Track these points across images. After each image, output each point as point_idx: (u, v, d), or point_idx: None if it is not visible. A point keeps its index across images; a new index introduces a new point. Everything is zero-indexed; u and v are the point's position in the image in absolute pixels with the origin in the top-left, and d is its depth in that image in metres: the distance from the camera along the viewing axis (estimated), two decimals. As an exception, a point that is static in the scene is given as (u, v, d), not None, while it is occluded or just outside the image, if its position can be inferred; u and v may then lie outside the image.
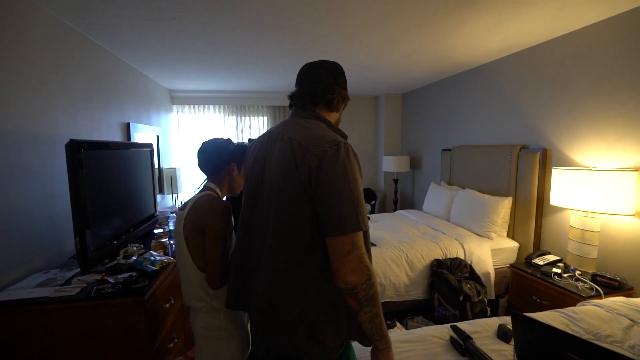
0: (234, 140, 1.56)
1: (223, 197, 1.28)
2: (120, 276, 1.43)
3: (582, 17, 1.94)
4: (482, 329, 1.33)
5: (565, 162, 2.22)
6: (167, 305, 1.59)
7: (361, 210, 0.80)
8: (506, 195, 2.66)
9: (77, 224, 1.36)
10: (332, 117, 0.99)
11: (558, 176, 2.03)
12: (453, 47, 2.53)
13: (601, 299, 1.69)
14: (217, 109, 4.48)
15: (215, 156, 1.26)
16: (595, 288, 1.79)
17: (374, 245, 2.52)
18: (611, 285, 1.80)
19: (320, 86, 0.95)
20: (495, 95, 2.92)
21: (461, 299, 2.12)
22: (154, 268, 1.53)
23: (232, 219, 1.19)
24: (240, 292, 0.97)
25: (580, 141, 2.13)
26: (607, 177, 1.78)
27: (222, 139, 1.31)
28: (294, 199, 0.82)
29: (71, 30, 1.97)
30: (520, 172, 2.55)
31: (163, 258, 1.64)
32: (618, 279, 1.81)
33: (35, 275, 1.49)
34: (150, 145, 2.19)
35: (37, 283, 1.40)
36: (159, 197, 3.52)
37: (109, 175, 1.65)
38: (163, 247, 1.81)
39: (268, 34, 2.20)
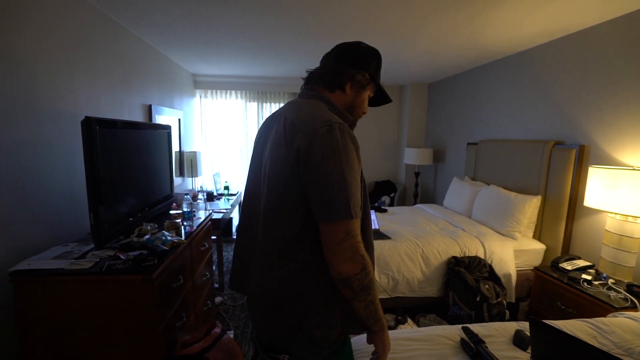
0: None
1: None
2: (131, 253, 1.46)
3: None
4: (497, 333, 1.24)
5: (605, 161, 2.03)
6: (177, 284, 1.61)
7: (352, 197, 0.74)
8: (535, 193, 2.48)
9: (91, 200, 1.39)
10: (340, 98, 0.92)
11: (595, 175, 1.85)
12: (484, 33, 2.35)
13: (637, 311, 1.54)
14: (239, 95, 4.49)
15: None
16: (631, 299, 1.64)
17: (388, 238, 2.44)
18: (649, 297, 1.64)
19: (325, 65, 0.93)
20: (530, 86, 2.70)
21: (478, 299, 2.02)
22: (165, 248, 1.54)
23: None
24: (241, 275, 0.95)
25: (624, 138, 1.93)
26: (653, 178, 1.60)
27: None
28: (283, 182, 0.78)
29: (94, 10, 1.99)
30: (552, 169, 2.37)
31: (174, 238, 1.65)
32: (657, 290, 1.64)
33: (55, 248, 1.54)
34: (168, 127, 2.21)
35: (55, 255, 1.45)
36: (179, 179, 3.60)
37: (125, 154, 1.68)
38: (176, 228, 1.83)
39: (288, 19, 2.13)
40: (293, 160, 0.76)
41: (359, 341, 1.17)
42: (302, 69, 3.76)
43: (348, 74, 0.90)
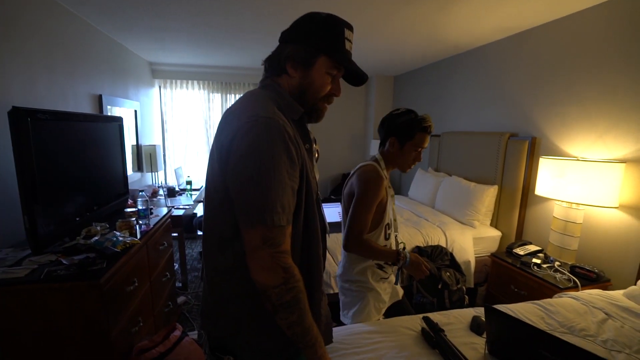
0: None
1: (390, 170, 1.35)
2: (76, 257, 1.34)
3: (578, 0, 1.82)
4: (456, 321, 1.29)
5: (554, 152, 2.17)
6: (131, 288, 1.51)
7: (272, 201, 0.66)
8: (492, 183, 2.61)
9: (24, 200, 1.25)
10: (287, 82, 0.80)
11: (545, 166, 1.97)
12: (445, 27, 2.40)
13: (578, 290, 1.67)
14: (201, 85, 4.28)
15: (381, 127, 1.34)
16: (573, 279, 1.77)
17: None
18: (589, 277, 1.78)
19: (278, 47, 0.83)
20: (487, 80, 2.82)
21: (439, 287, 2.09)
22: (115, 250, 1.43)
23: (380, 192, 1.25)
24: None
25: (571, 131, 2.07)
26: (594, 168, 1.72)
27: (401, 110, 1.30)
28: (213, 182, 0.74)
29: (28, -13, 1.78)
30: (507, 160, 2.49)
31: (127, 239, 1.54)
32: (596, 270, 1.79)
33: (-15, 255, 1.38)
34: (119, 119, 2.05)
35: (-16, 263, 1.29)
36: (137, 175, 3.39)
37: (67, 149, 1.53)
38: (129, 227, 1.71)
39: (248, 5, 2.03)
40: (217, 158, 0.71)
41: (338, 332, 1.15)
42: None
43: (284, 51, 0.79)
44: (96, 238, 1.51)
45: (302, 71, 0.78)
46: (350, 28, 0.80)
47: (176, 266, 2.94)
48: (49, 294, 1.20)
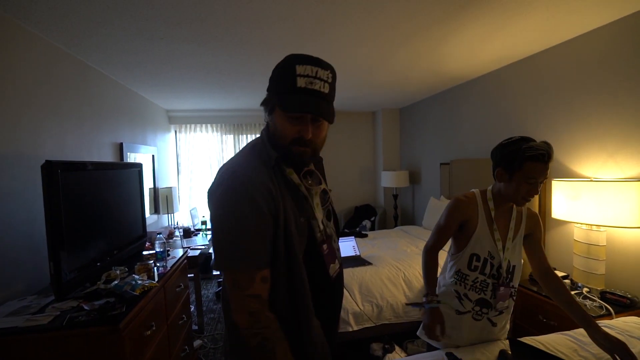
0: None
1: (505, 203, 1.28)
2: (96, 302, 1.36)
3: (575, 25, 1.91)
4: (482, 356, 1.23)
5: (566, 174, 2.15)
6: (149, 332, 1.51)
7: (238, 246, 0.75)
8: (507, 208, 2.56)
9: (51, 248, 1.30)
10: (272, 127, 0.84)
11: (559, 188, 1.95)
12: (447, 59, 2.52)
13: (612, 318, 1.57)
14: (214, 128, 4.50)
15: (491, 157, 1.29)
16: (605, 307, 1.68)
17: (370, 264, 2.42)
18: (622, 303, 1.69)
19: None
20: (492, 107, 2.88)
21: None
22: (134, 293, 1.45)
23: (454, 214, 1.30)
24: None
25: (580, 151, 2.07)
26: (609, 188, 1.70)
27: (513, 139, 1.21)
28: None
29: (59, 51, 1.98)
30: (520, 184, 2.47)
31: (145, 282, 1.57)
32: (629, 296, 1.69)
33: (11, 303, 1.42)
34: (139, 165, 2.16)
35: (10, 311, 1.33)
36: (154, 217, 3.48)
37: (91, 197, 1.61)
38: (148, 270, 1.74)
39: (257, 52, 2.20)
40: None
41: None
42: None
43: (267, 100, 0.85)
44: (116, 282, 1.54)
45: (269, 117, 0.84)
46: (308, 61, 0.76)
47: (192, 308, 2.91)
48: (71, 340, 1.22)
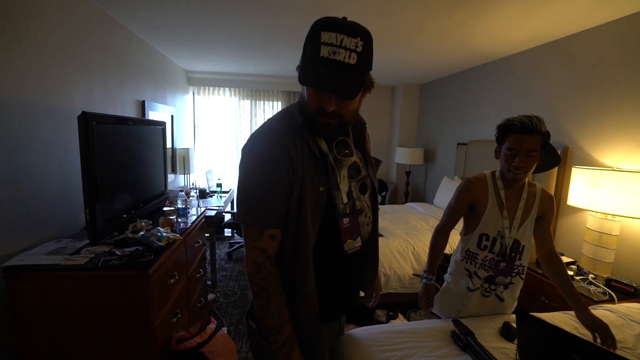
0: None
1: (508, 179, 1.32)
2: (127, 249, 1.46)
3: (615, 7, 1.80)
4: (486, 326, 1.30)
5: (587, 162, 2.12)
6: (172, 280, 1.62)
7: (246, 207, 0.82)
8: (521, 193, 2.56)
9: (87, 196, 1.38)
10: (303, 94, 0.84)
11: (578, 175, 1.94)
12: (475, 37, 2.42)
13: (614, 304, 1.62)
14: (232, 92, 4.48)
15: None
16: (609, 293, 1.72)
17: (381, 235, 2.49)
18: (626, 292, 1.73)
19: None
20: (516, 89, 2.79)
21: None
22: (160, 244, 1.55)
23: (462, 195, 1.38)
24: None
25: (606, 140, 2.02)
26: (631, 178, 1.68)
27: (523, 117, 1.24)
28: None
29: (91, 5, 1.98)
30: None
31: (170, 234, 1.66)
32: (634, 285, 1.73)
33: (48, 244, 1.53)
34: (163, 124, 2.21)
35: (48, 251, 1.44)
36: (171, 176, 3.58)
37: (121, 150, 1.67)
38: (170, 224, 1.83)
39: (285, 16, 2.15)
40: None
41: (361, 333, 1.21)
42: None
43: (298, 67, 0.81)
44: (142, 233, 1.64)
45: (303, 86, 0.81)
46: (334, 28, 0.71)
47: (206, 264, 3.07)
48: (105, 281, 1.32)
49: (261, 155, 0.81)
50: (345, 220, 0.87)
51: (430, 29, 2.27)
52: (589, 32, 2.14)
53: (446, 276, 1.51)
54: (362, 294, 1.15)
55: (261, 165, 0.80)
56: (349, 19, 0.76)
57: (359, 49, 0.72)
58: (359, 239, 0.91)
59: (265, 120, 0.89)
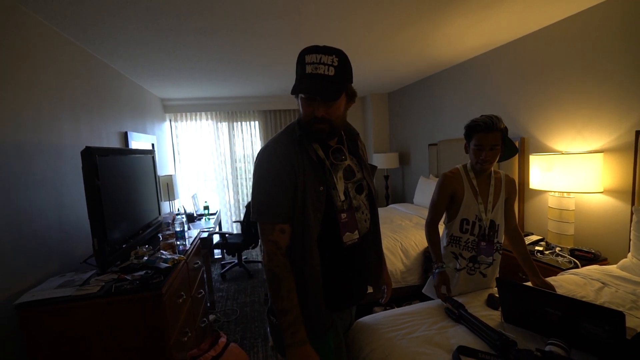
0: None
1: (480, 173, 1.54)
2: (136, 274, 1.52)
3: (547, 15, 2.13)
4: (474, 300, 1.47)
5: (541, 149, 2.41)
6: (180, 300, 1.68)
7: (258, 205, 0.99)
8: (490, 183, 2.83)
9: (94, 226, 1.44)
10: (299, 110, 1.03)
11: (535, 162, 2.21)
12: (433, 47, 2.70)
13: (579, 269, 1.86)
14: (209, 116, 4.57)
15: None
16: (574, 261, 1.96)
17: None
18: (587, 258, 1.98)
19: None
20: (475, 90, 3.10)
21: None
22: (168, 265, 1.62)
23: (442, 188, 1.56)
24: None
25: (553, 129, 2.32)
26: (577, 159, 1.96)
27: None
28: None
29: (72, 45, 2.05)
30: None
31: (174, 256, 1.73)
32: (593, 251, 1.99)
33: (52, 279, 1.56)
34: (152, 151, 2.28)
35: (56, 285, 1.47)
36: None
37: (119, 180, 1.74)
38: (172, 247, 1.90)
39: (260, 40, 2.32)
40: None
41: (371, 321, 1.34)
42: (270, 88, 3.95)
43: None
44: (146, 258, 1.70)
45: (299, 103, 1.00)
46: (314, 50, 0.91)
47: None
48: (119, 306, 1.38)
49: (268, 164, 0.99)
50: (343, 215, 1.02)
51: (394, 42, 2.52)
52: (526, 37, 2.48)
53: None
54: (370, 290, 1.26)
55: (269, 172, 0.98)
56: (321, 41, 1.03)
57: (335, 64, 0.92)
58: (356, 232, 1.05)
59: (269, 138, 1.08)
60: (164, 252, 1.79)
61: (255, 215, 0.99)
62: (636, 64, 1.82)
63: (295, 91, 0.96)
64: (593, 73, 2.03)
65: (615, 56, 1.91)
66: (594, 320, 0.98)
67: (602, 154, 1.94)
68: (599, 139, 2.02)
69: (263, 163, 1.00)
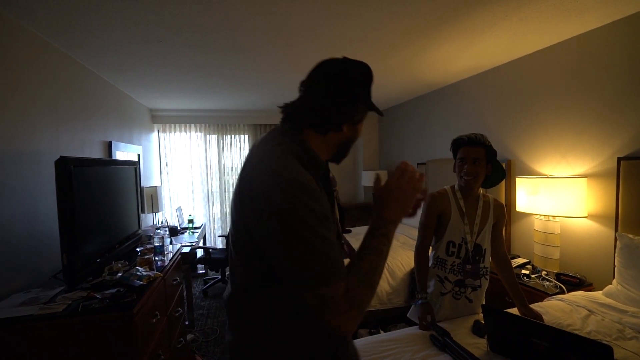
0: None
1: (464, 189, 1.55)
2: (107, 292, 1.44)
3: (532, 43, 2.20)
4: (459, 326, 1.43)
5: (527, 172, 2.44)
6: (154, 320, 1.59)
7: (326, 260, 0.63)
8: (477, 204, 2.84)
9: (64, 240, 1.37)
10: (331, 139, 0.79)
11: (521, 184, 2.22)
12: (422, 70, 2.76)
13: (564, 294, 1.84)
14: (198, 128, 4.52)
15: None
16: (560, 286, 1.95)
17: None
18: (573, 282, 1.97)
19: (313, 99, 0.78)
20: (463, 112, 3.16)
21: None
22: (142, 282, 1.54)
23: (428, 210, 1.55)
24: None
25: (539, 152, 2.36)
26: (562, 184, 1.98)
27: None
28: (236, 227, 0.74)
29: (57, 51, 2.01)
30: (488, 182, 2.75)
31: (150, 273, 1.65)
32: (578, 276, 1.98)
33: (16, 295, 1.46)
34: (135, 163, 2.22)
35: (20, 302, 1.38)
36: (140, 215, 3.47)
37: (96, 193, 1.67)
38: (149, 263, 1.82)
39: (251, 57, 2.32)
40: (240, 207, 0.71)
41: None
42: (261, 102, 3.95)
43: (345, 111, 0.77)
44: (120, 274, 1.61)
45: (353, 127, 0.80)
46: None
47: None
48: (86, 327, 1.29)
49: (306, 201, 0.65)
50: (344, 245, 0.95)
51: (383, 65, 2.56)
52: (513, 62, 2.55)
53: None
54: None
55: (311, 212, 0.64)
56: (312, 61, 0.90)
57: (301, 87, 0.88)
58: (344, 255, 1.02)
59: (270, 156, 0.72)
60: (140, 268, 1.70)
61: (319, 280, 0.63)
62: (614, 92, 1.87)
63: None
64: (575, 99, 2.08)
65: (595, 84, 1.97)
66: (582, 353, 0.95)
67: (585, 179, 1.97)
68: (582, 164, 2.06)
69: (299, 205, 0.63)
